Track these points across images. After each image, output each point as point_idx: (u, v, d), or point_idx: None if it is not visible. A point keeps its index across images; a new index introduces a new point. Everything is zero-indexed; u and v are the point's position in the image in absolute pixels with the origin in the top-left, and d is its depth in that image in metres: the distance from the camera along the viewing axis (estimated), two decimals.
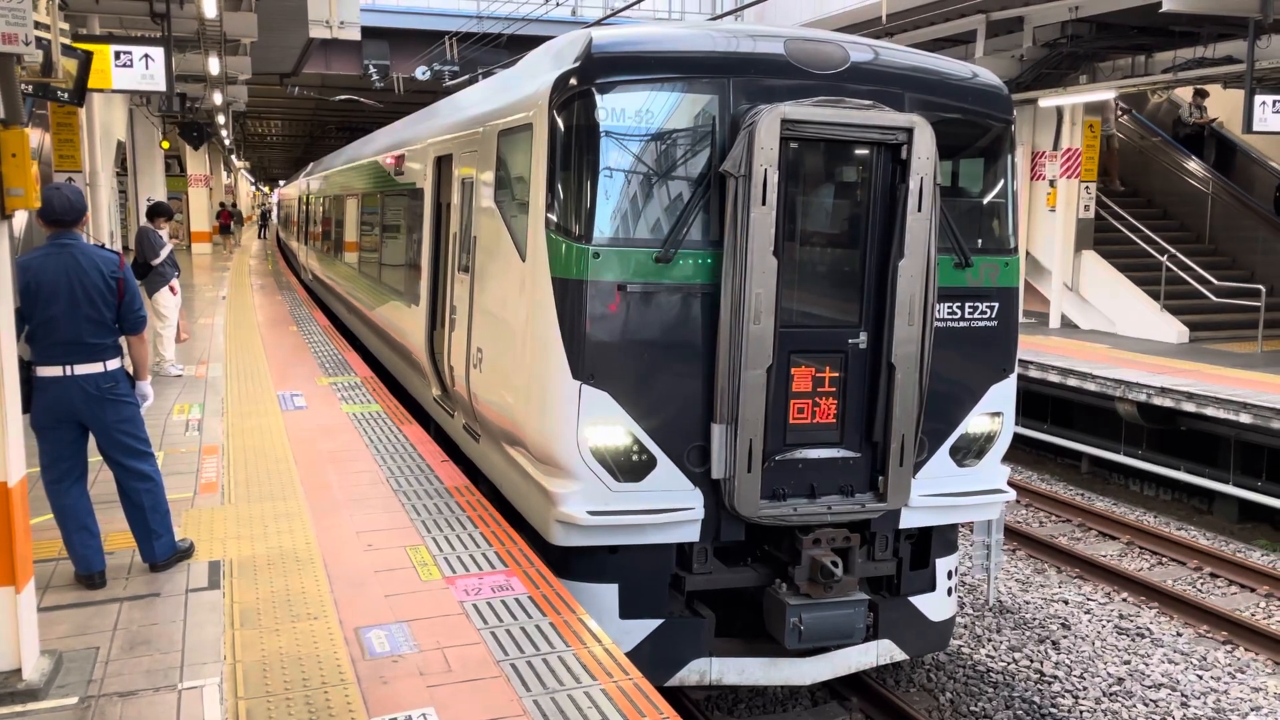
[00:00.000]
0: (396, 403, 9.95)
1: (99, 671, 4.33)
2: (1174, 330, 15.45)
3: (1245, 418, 10.85)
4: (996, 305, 6.32)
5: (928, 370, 5.91)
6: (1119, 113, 19.13)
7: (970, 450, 6.40)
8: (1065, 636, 8.38)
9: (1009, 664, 7.89)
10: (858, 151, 5.93)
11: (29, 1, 5.23)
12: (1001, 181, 6.50)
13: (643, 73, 5.73)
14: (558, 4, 19.18)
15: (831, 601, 5.89)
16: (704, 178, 5.70)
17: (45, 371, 5.07)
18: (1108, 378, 12.54)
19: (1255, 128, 12.69)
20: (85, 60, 8.28)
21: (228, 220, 40.18)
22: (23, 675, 4.10)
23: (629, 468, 5.69)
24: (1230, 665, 7.94)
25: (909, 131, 5.71)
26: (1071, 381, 13.08)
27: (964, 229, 6.24)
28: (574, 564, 5.92)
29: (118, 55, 10.53)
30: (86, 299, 5.07)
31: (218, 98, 20.12)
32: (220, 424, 8.82)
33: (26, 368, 5.05)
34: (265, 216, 56.88)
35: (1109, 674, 7.73)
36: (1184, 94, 18.99)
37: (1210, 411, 11.21)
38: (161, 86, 10.84)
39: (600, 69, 5.66)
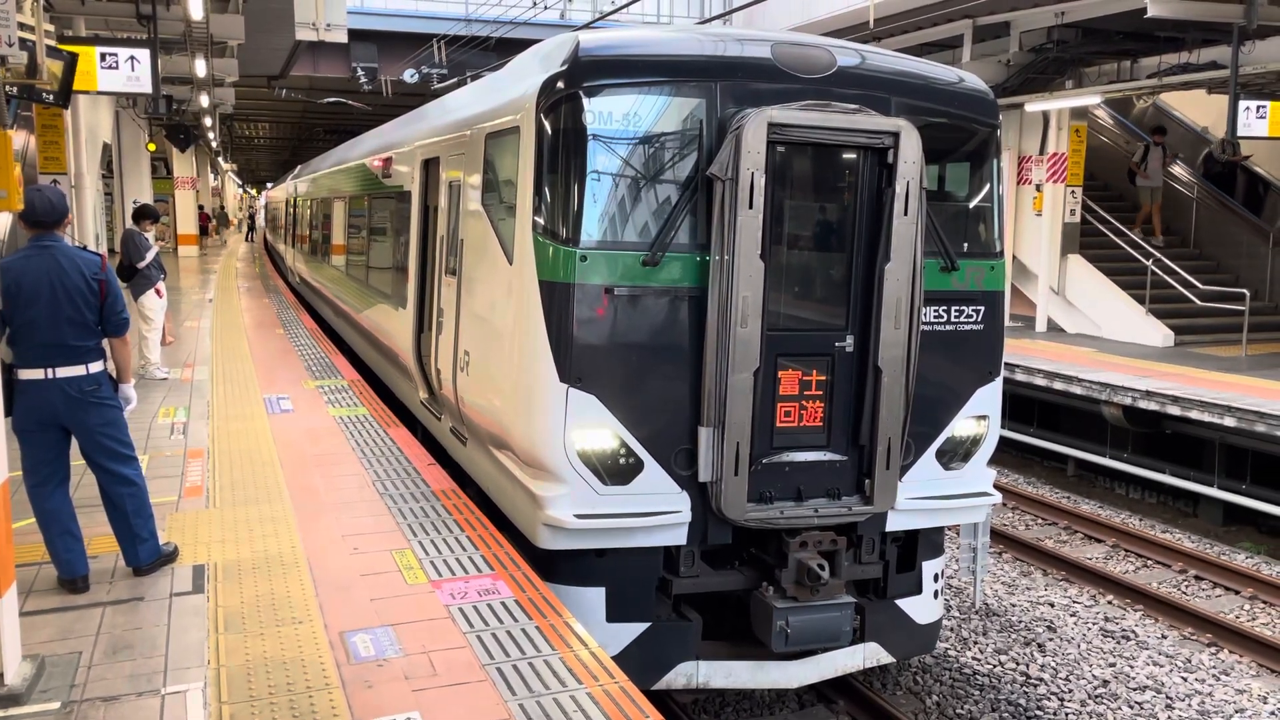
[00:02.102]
0: (383, 406, 9.92)
1: (81, 676, 4.30)
2: (1159, 334, 15.53)
3: (1230, 421, 10.91)
4: (982, 309, 6.34)
5: (914, 373, 5.93)
6: (1167, 159, 17.87)
7: (956, 453, 6.42)
8: (1051, 639, 8.40)
9: (995, 666, 7.91)
10: (844, 155, 5.94)
11: (13, 3, 5.21)
12: (987, 185, 6.53)
13: (630, 76, 5.74)
14: (546, 7, 19.19)
15: (818, 604, 5.90)
16: (691, 181, 5.71)
17: (27, 374, 5.03)
18: (1093, 381, 12.59)
19: (1240, 132, 12.79)
20: (70, 62, 8.25)
21: (205, 221, 40.32)
22: (4, 680, 4.07)
23: (616, 471, 5.68)
24: (1215, 667, 7.98)
25: (895, 135, 5.72)
26: (1057, 385, 13.13)
27: (950, 233, 6.26)
28: (561, 567, 5.91)
29: (103, 57, 10.50)
30: (68, 300, 5.03)
31: (204, 100, 20.06)
32: (205, 427, 8.78)
33: (8, 370, 5.02)
34: (252, 220, 56.73)
35: (1094, 676, 7.76)
36: (1216, 131, 18.45)
37: (1195, 415, 11.27)
38: (147, 88, 10.81)
39: (587, 72, 5.66)
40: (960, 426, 6.37)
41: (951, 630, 8.51)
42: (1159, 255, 16.17)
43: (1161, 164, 17.59)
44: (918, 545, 6.57)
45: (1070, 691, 7.52)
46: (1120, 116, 20.09)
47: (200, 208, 40.63)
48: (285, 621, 4.87)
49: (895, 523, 6.27)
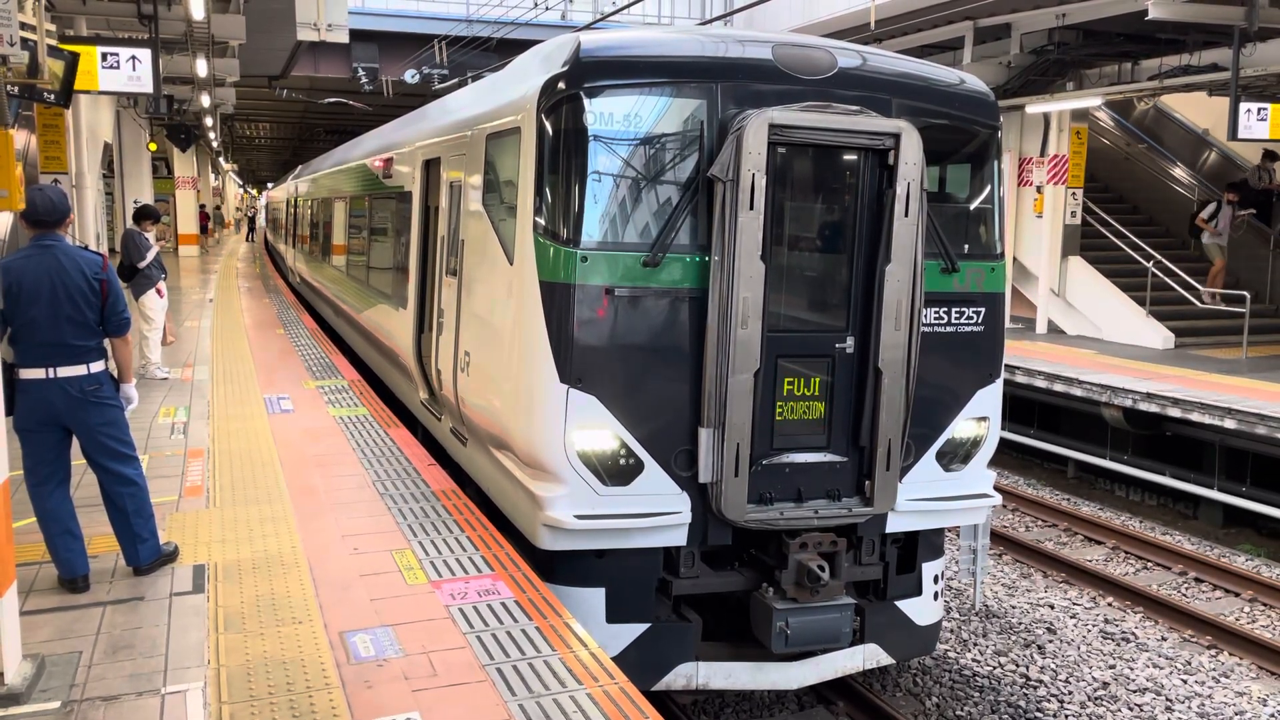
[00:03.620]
0: (383, 406, 9.92)
1: (81, 676, 4.30)
2: (1160, 336, 15.53)
3: (1230, 423, 10.91)
4: (983, 310, 6.35)
5: (914, 375, 5.93)
6: (1238, 218, 16.30)
7: (956, 455, 6.42)
8: (1051, 641, 8.40)
9: (995, 668, 7.91)
10: (845, 157, 5.94)
11: (14, 2, 5.22)
12: (988, 187, 6.53)
13: (631, 77, 5.74)
14: (547, 8, 19.19)
15: (818, 606, 5.90)
16: (692, 182, 5.71)
17: (28, 374, 5.03)
18: (1094, 383, 12.59)
19: (1240, 135, 12.79)
20: (72, 62, 8.26)
21: (205, 221, 41.04)
22: (4, 680, 4.07)
23: (616, 472, 5.68)
24: (1215, 670, 7.98)
25: (896, 137, 5.73)
26: (1058, 387, 13.13)
27: (950, 234, 6.26)
28: (561, 568, 5.91)
29: (104, 57, 10.51)
30: (69, 300, 5.03)
31: (205, 100, 20.07)
32: (206, 427, 8.78)
33: (9, 370, 5.03)
34: (251, 221, 56.84)
35: (1094, 678, 7.76)
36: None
37: (1195, 417, 11.27)
38: (148, 88, 10.81)
39: (588, 73, 5.66)
40: (960, 428, 6.37)
41: (951, 632, 8.51)
42: (1159, 257, 16.17)
43: (1230, 223, 16.35)
44: (918, 547, 6.56)
45: (1070, 693, 7.52)
46: (1121, 118, 20.09)
47: (201, 206, 41.14)
48: (285, 621, 4.87)
49: (895, 524, 6.27)
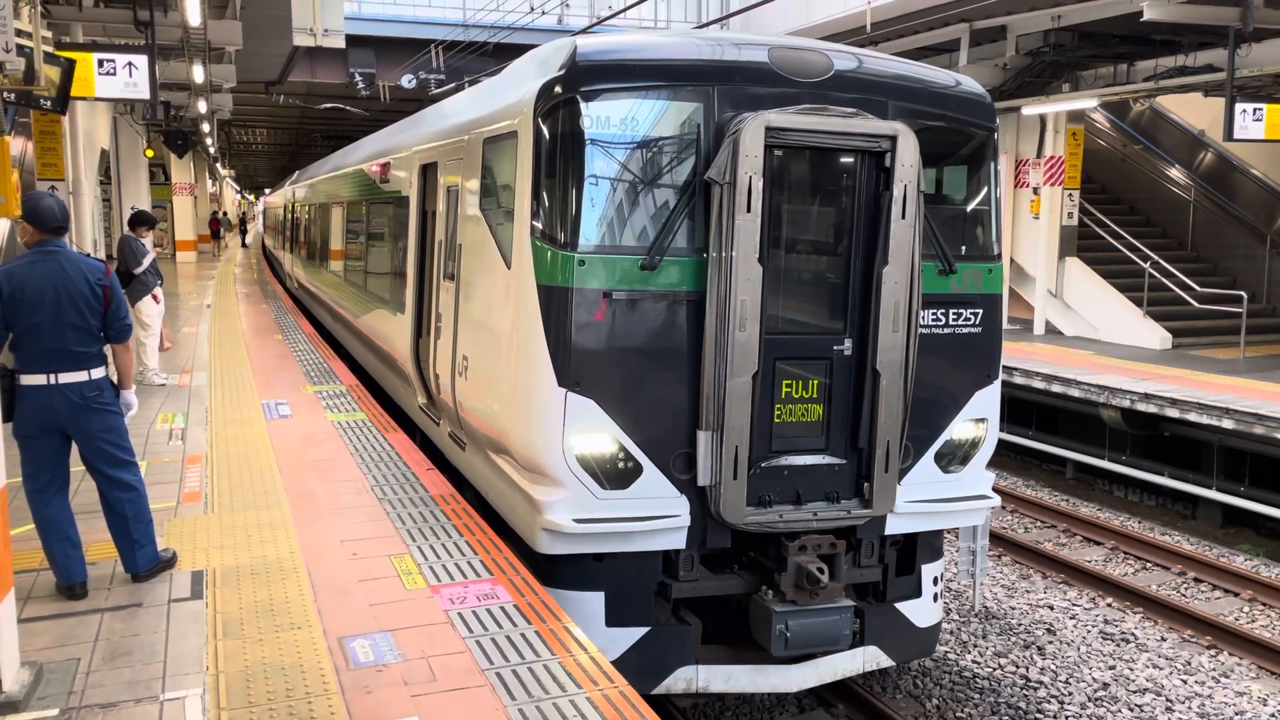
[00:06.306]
0: (382, 411, 9.92)
1: (80, 683, 4.29)
2: (1157, 336, 15.55)
3: (1228, 423, 10.92)
4: (980, 312, 6.35)
5: (912, 377, 5.93)
6: None
7: (955, 456, 6.42)
8: (1050, 642, 8.40)
9: (994, 669, 7.90)
10: (842, 159, 5.95)
11: (10, 9, 5.22)
12: (985, 189, 6.54)
13: (627, 80, 5.74)
14: (543, 12, 19.21)
15: (817, 608, 5.89)
16: (689, 185, 5.71)
17: (29, 380, 5.02)
18: (1092, 384, 12.60)
19: (1236, 136, 12.81)
20: (68, 68, 8.26)
21: (216, 227, 41.87)
22: (2, 687, 4.06)
23: (615, 475, 5.68)
24: (1214, 670, 7.98)
25: (893, 139, 5.73)
26: (1056, 388, 13.14)
27: (948, 236, 6.27)
28: (560, 572, 5.90)
29: (101, 63, 10.49)
30: (72, 306, 5.04)
31: (202, 106, 20.05)
32: (204, 433, 8.77)
33: (9, 376, 5.02)
34: (244, 225, 57.18)
35: (1094, 679, 7.76)
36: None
37: (1193, 417, 11.28)
38: (145, 94, 10.80)
39: (585, 77, 5.66)
40: (959, 429, 6.37)
41: (951, 633, 8.50)
42: (1156, 258, 16.19)
43: None
44: (917, 548, 6.57)
45: (1070, 694, 7.51)
46: (1117, 119, 20.14)
47: (213, 213, 42.10)
48: (284, 627, 4.86)
49: (894, 526, 6.27)
